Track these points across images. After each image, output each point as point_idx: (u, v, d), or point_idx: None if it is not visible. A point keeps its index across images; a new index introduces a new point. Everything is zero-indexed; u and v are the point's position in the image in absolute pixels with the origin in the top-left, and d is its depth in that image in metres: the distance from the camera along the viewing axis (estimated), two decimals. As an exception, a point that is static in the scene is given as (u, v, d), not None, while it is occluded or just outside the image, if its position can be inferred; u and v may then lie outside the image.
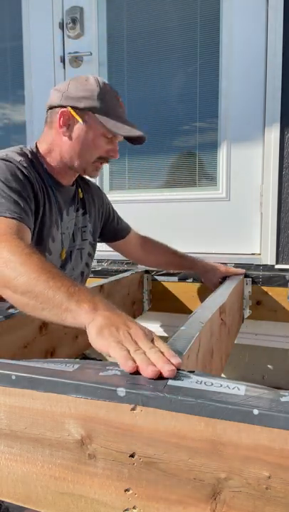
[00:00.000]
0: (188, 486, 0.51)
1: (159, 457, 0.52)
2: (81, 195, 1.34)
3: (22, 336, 1.02)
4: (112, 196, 2.05)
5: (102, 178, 2.09)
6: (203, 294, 1.74)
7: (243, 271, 1.69)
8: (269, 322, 1.72)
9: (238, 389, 0.52)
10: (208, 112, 1.89)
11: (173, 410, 0.50)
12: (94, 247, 1.43)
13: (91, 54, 2.00)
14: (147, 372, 0.57)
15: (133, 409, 0.52)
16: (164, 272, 1.84)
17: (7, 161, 1.07)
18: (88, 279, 1.47)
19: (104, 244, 1.57)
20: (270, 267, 1.75)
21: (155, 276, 1.85)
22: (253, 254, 1.83)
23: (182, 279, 1.81)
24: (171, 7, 1.90)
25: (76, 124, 1.16)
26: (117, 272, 1.88)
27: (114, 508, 0.54)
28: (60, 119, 1.15)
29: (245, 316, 1.70)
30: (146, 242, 1.62)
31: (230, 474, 0.49)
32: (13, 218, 0.96)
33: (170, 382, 0.55)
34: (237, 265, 1.79)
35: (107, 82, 1.20)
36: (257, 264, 1.77)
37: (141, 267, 1.87)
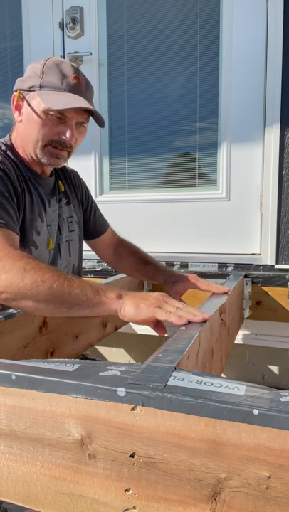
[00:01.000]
0: (189, 486, 0.51)
1: (159, 457, 0.52)
2: (62, 186, 1.29)
3: (22, 336, 1.02)
4: (112, 196, 2.06)
5: (102, 178, 2.09)
6: (203, 294, 1.74)
7: (226, 289, 1.24)
8: (269, 322, 1.72)
9: (238, 389, 0.52)
10: (208, 111, 1.89)
11: (173, 410, 0.50)
12: (81, 238, 1.38)
13: (91, 54, 2.00)
14: (198, 319, 0.83)
15: (133, 409, 0.52)
16: (164, 272, 1.83)
17: None
18: (88, 279, 1.45)
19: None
20: (270, 267, 1.75)
21: (155, 277, 1.85)
22: (253, 254, 1.83)
23: (182, 279, 1.81)
24: (171, 7, 1.90)
25: (23, 107, 1.10)
26: (117, 272, 1.87)
27: (114, 508, 0.54)
28: (12, 103, 1.11)
29: (245, 316, 1.70)
30: (120, 245, 1.49)
31: (231, 474, 0.49)
32: (1, 227, 0.97)
33: (170, 382, 0.55)
34: (237, 265, 1.79)
35: (68, 61, 1.12)
36: (257, 264, 1.77)
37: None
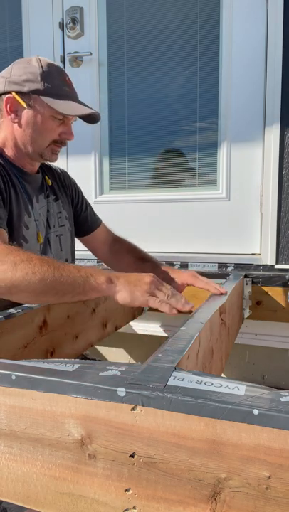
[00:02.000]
0: (189, 486, 0.51)
1: (159, 457, 0.52)
2: (49, 182, 1.32)
3: (22, 336, 1.02)
4: (111, 196, 2.06)
5: (102, 178, 2.09)
6: (203, 294, 1.74)
7: (223, 291, 1.22)
8: (269, 322, 1.72)
9: (238, 389, 0.52)
10: (208, 111, 1.89)
11: (173, 410, 0.50)
12: (73, 234, 1.39)
13: (91, 54, 2.00)
14: (185, 308, 0.94)
15: (133, 409, 0.52)
16: (164, 272, 1.83)
17: None
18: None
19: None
20: (270, 267, 1.75)
21: (155, 277, 1.85)
22: (253, 254, 1.83)
23: (182, 279, 1.81)
24: (171, 7, 1.90)
25: (23, 110, 1.13)
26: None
27: (114, 508, 0.54)
28: (6, 106, 1.13)
29: (245, 316, 1.70)
30: (116, 242, 1.49)
31: (231, 474, 0.49)
32: None
33: (170, 382, 0.55)
34: (237, 265, 1.79)
35: (52, 62, 1.17)
36: (257, 264, 1.77)
37: (141, 267, 1.87)
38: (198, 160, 1.94)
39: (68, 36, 2.04)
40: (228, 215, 1.88)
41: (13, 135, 1.16)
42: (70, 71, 2.03)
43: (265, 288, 1.71)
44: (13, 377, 0.59)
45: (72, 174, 1.49)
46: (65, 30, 2.04)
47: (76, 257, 1.46)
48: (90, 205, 1.50)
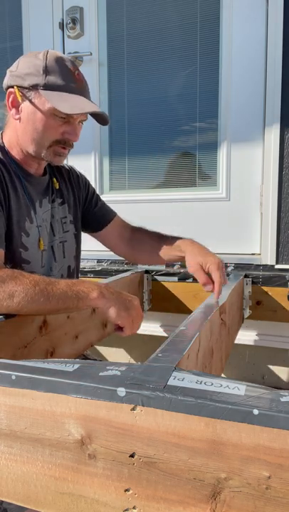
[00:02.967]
0: (189, 486, 0.51)
1: (159, 457, 0.52)
2: (57, 186, 1.24)
3: (22, 336, 1.02)
4: (111, 196, 2.06)
5: (102, 178, 2.09)
6: (203, 294, 1.75)
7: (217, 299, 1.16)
8: (269, 322, 1.72)
9: (238, 389, 0.52)
10: (208, 111, 1.89)
11: (173, 410, 0.50)
12: (78, 237, 1.34)
13: (91, 54, 2.00)
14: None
15: (133, 409, 0.52)
16: (164, 271, 1.84)
17: None
18: (88, 279, 1.43)
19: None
20: (270, 267, 1.75)
21: (155, 276, 1.85)
22: (253, 254, 1.83)
23: (182, 279, 1.81)
24: (171, 7, 1.90)
25: (24, 105, 1.05)
26: (117, 271, 1.88)
27: (114, 508, 0.54)
28: (8, 100, 1.07)
29: (245, 316, 1.70)
30: (136, 232, 1.42)
31: (231, 474, 0.49)
32: None
33: (170, 382, 0.55)
34: (237, 265, 1.79)
35: (65, 56, 1.08)
36: (257, 264, 1.77)
37: (141, 267, 1.87)
38: (198, 160, 1.94)
39: (68, 36, 2.04)
40: (228, 215, 1.88)
41: (15, 132, 1.09)
42: (70, 71, 2.04)
43: (265, 288, 1.71)
44: (13, 377, 0.59)
45: (72, 174, 1.49)
46: (65, 30, 2.04)
47: (87, 257, 1.47)
48: (101, 200, 1.44)
